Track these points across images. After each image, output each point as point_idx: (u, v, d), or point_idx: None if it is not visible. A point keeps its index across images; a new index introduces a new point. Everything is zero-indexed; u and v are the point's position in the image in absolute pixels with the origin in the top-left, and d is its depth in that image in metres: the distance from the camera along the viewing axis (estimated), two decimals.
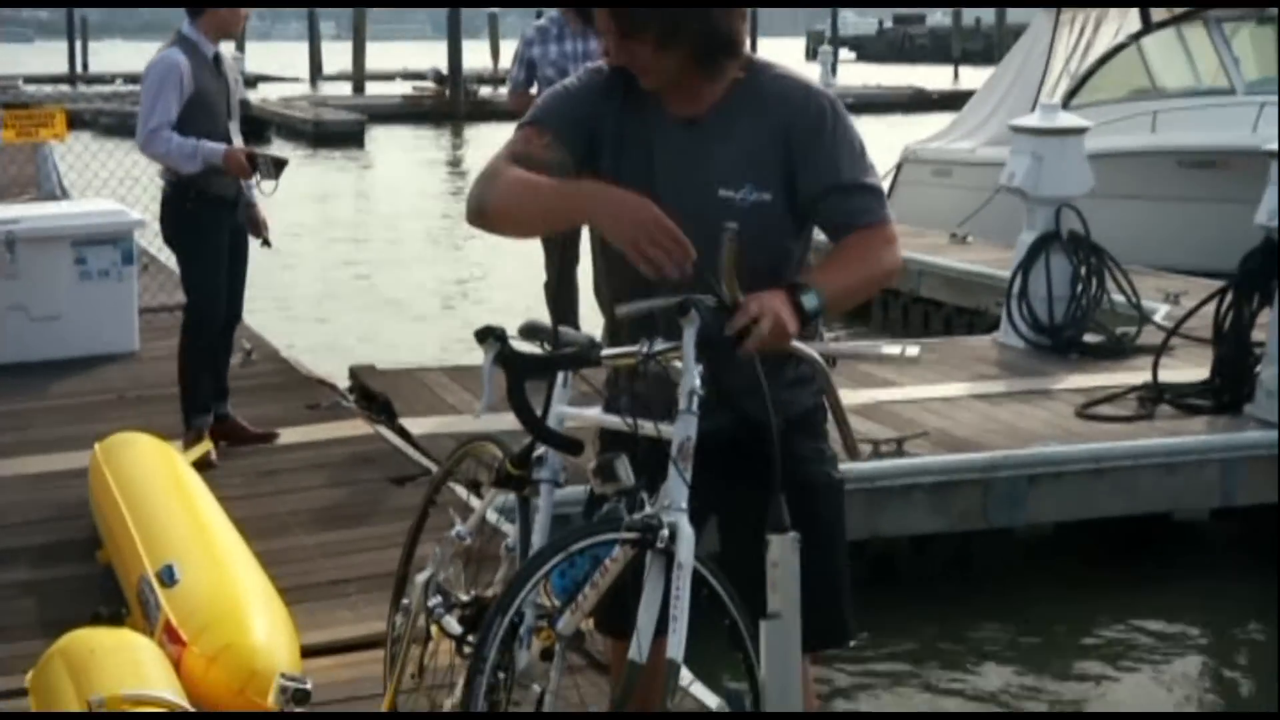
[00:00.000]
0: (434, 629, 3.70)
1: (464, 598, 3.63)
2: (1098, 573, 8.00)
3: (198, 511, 5.42)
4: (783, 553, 3.00)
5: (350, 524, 6.52)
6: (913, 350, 3.10)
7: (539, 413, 3.33)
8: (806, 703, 3.40)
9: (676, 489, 3.03)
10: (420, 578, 3.82)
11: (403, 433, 8.18)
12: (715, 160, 3.19)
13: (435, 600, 3.70)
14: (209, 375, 7.43)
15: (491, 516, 3.96)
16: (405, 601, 3.92)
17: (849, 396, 8.61)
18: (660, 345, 3.03)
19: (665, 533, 3.00)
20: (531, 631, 3.28)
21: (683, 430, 3.01)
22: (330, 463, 7.44)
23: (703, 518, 3.07)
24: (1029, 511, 7.90)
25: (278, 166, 7.14)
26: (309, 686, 4.00)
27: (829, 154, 3.19)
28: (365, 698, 4.50)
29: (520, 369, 3.15)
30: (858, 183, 3.20)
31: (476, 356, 3.25)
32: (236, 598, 4.63)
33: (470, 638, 3.46)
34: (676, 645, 2.91)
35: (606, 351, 3.17)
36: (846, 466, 7.23)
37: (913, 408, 8.74)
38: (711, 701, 4.63)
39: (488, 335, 3.17)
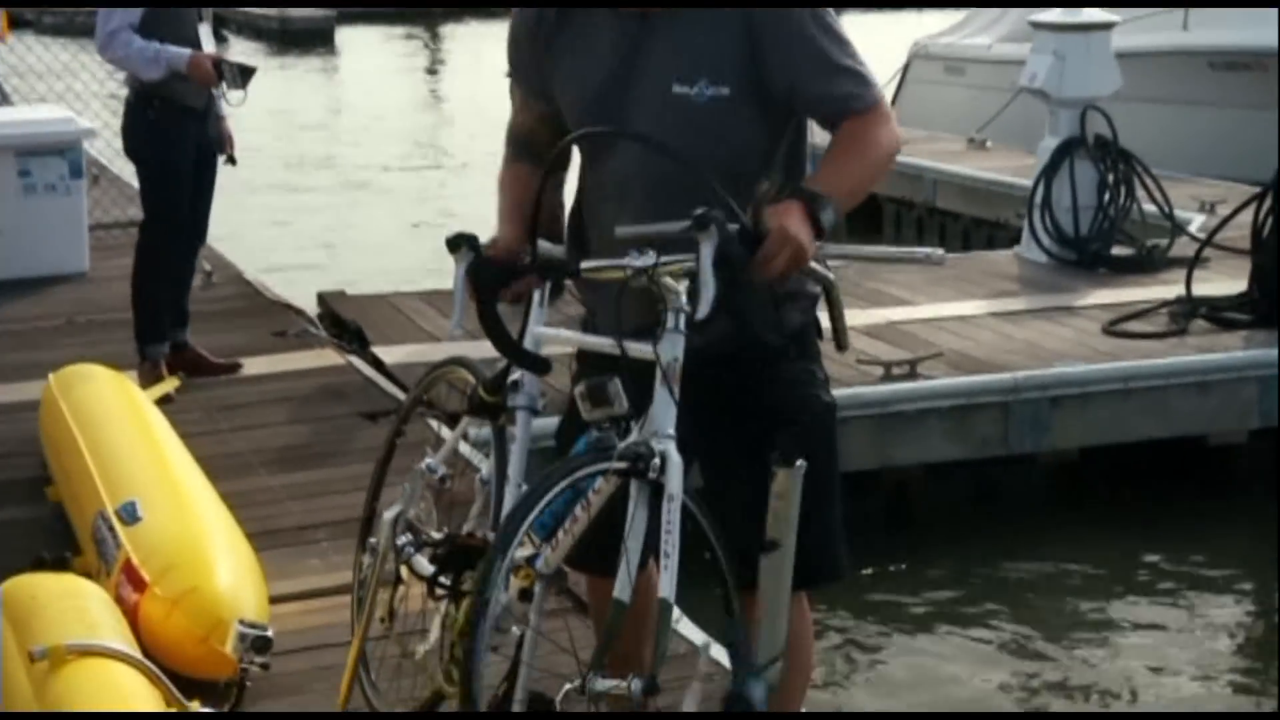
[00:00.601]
0: (404, 570, 3.70)
1: (436, 536, 3.64)
2: (1127, 502, 8.03)
3: (160, 448, 5.42)
4: (789, 485, 3.04)
5: (319, 464, 6.52)
6: (938, 252, 3.10)
7: (515, 335, 3.34)
8: (805, 646, 3.47)
9: (664, 413, 3.03)
10: (388, 515, 3.82)
11: (376, 362, 8.16)
12: (667, 55, 3.21)
13: (404, 539, 3.71)
14: (167, 301, 7.39)
15: (465, 449, 3.96)
16: (372, 541, 3.93)
17: (857, 316, 8.62)
18: (648, 259, 3.03)
19: (656, 461, 3.00)
20: (509, 571, 3.27)
21: (670, 350, 3.01)
22: (298, 396, 7.43)
23: (684, 447, 3.10)
24: (1053, 437, 7.92)
25: (245, 75, 7.08)
26: (270, 634, 4.01)
27: (800, 39, 3.18)
28: (334, 645, 4.51)
29: (491, 279, 3.14)
30: (838, 65, 3.19)
31: (452, 281, 3.26)
32: (202, 539, 4.64)
33: (443, 579, 3.47)
34: (668, 583, 2.92)
35: (588, 264, 3.16)
36: (854, 391, 7.50)
37: (927, 327, 8.72)
38: (698, 638, 4.65)
39: (460, 243, 3.16)
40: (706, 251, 2.93)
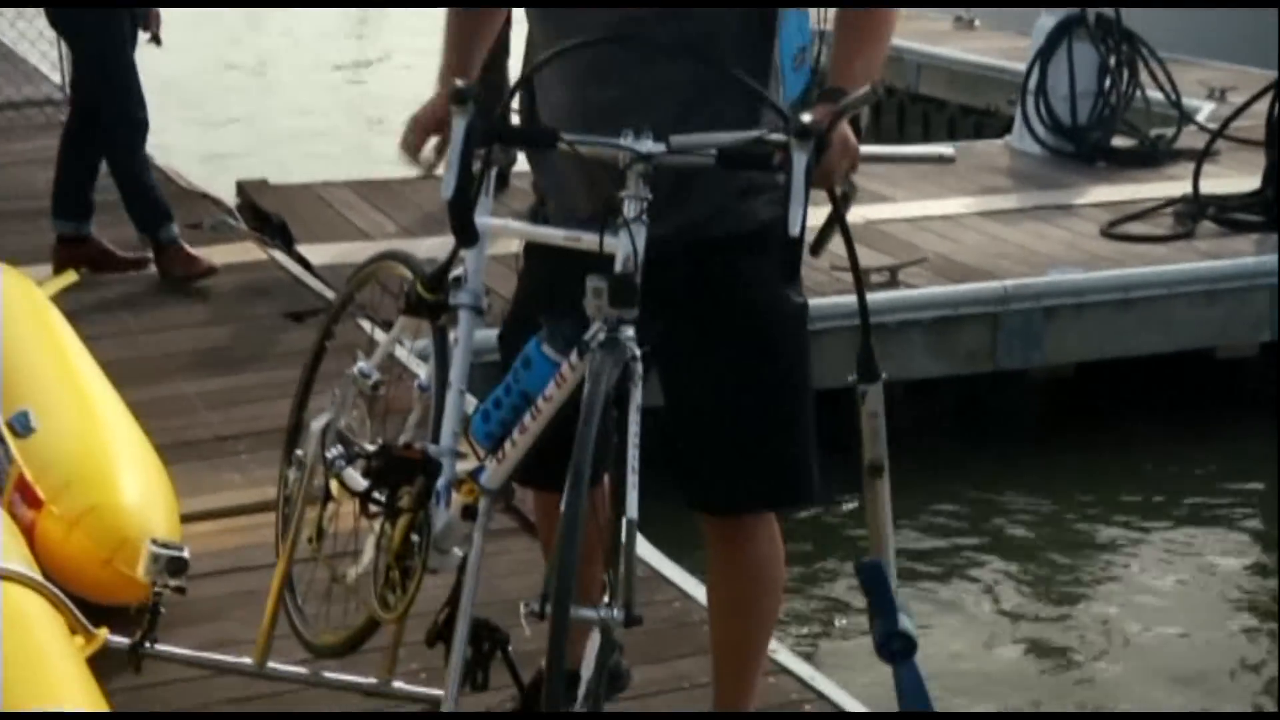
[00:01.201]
0: (334, 485, 3.67)
1: (369, 448, 3.60)
2: (1128, 422, 8.05)
3: (58, 352, 5.34)
4: (879, 400, 3.31)
5: (239, 368, 6.48)
6: (948, 151, 3.12)
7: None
8: (776, 573, 3.50)
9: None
10: (315, 425, 3.79)
11: (301, 261, 8.09)
12: None
13: (334, 451, 3.68)
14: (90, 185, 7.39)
15: (401, 353, 3.91)
16: (298, 453, 3.90)
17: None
18: (652, 145, 3.01)
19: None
20: (450, 486, 3.29)
21: (629, 243, 3.00)
22: (215, 295, 7.37)
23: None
24: (1046, 351, 7.93)
25: None
26: (185, 554, 3.96)
27: None
28: (255, 568, 4.49)
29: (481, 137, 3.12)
30: None
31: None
32: (104, 452, 4.60)
33: (377, 494, 3.45)
34: (633, 501, 2.91)
35: (573, 136, 3.12)
36: (830, 300, 7.49)
37: (909, 228, 8.70)
38: (669, 569, 4.71)
39: (466, 97, 3.09)
40: (800, 162, 2.92)
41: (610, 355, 2.96)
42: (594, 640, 2.98)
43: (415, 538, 3.33)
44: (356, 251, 8.06)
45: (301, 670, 4.02)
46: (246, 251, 8.06)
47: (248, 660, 4.00)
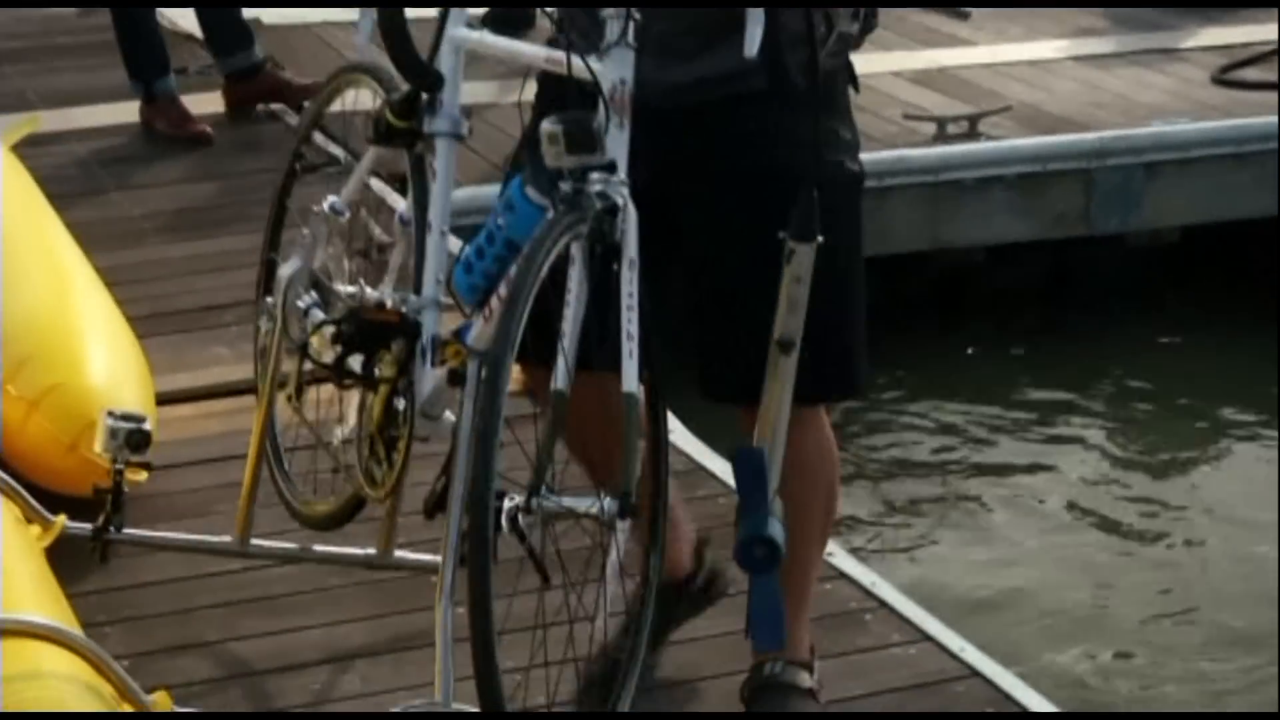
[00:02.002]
0: (314, 339, 3.66)
1: (348, 290, 3.64)
2: (1238, 295, 7.98)
3: (20, 212, 5.30)
4: (809, 266, 3.08)
5: (228, 230, 6.42)
6: (966, 11, 3.06)
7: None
8: (828, 465, 3.50)
9: (614, 146, 3.01)
10: (285, 271, 3.79)
11: (299, 108, 8.00)
12: None
13: (309, 299, 3.70)
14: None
15: (377, 184, 3.90)
16: (269, 300, 3.88)
17: (902, 60, 8.54)
18: None
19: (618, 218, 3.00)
20: (436, 342, 3.29)
21: (616, 69, 3.00)
22: (202, 149, 7.30)
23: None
24: (1147, 213, 7.86)
25: None
26: (147, 427, 3.90)
27: None
28: (244, 456, 4.41)
29: None
30: None
31: None
32: (69, 325, 4.59)
33: (354, 360, 3.43)
34: (631, 373, 2.92)
35: None
36: (900, 153, 7.42)
37: (990, 74, 8.59)
38: (711, 460, 4.71)
39: None
40: None
41: (568, 214, 2.95)
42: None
43: (400, 404, 3.34)
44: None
45: (289, 546, 4.05)
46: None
47: (227, 538, 4.02)
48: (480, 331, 3.15)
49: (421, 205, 3.44)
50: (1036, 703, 3.76)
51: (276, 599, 4.10)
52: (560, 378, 2.93)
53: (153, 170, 7.13)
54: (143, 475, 4.01)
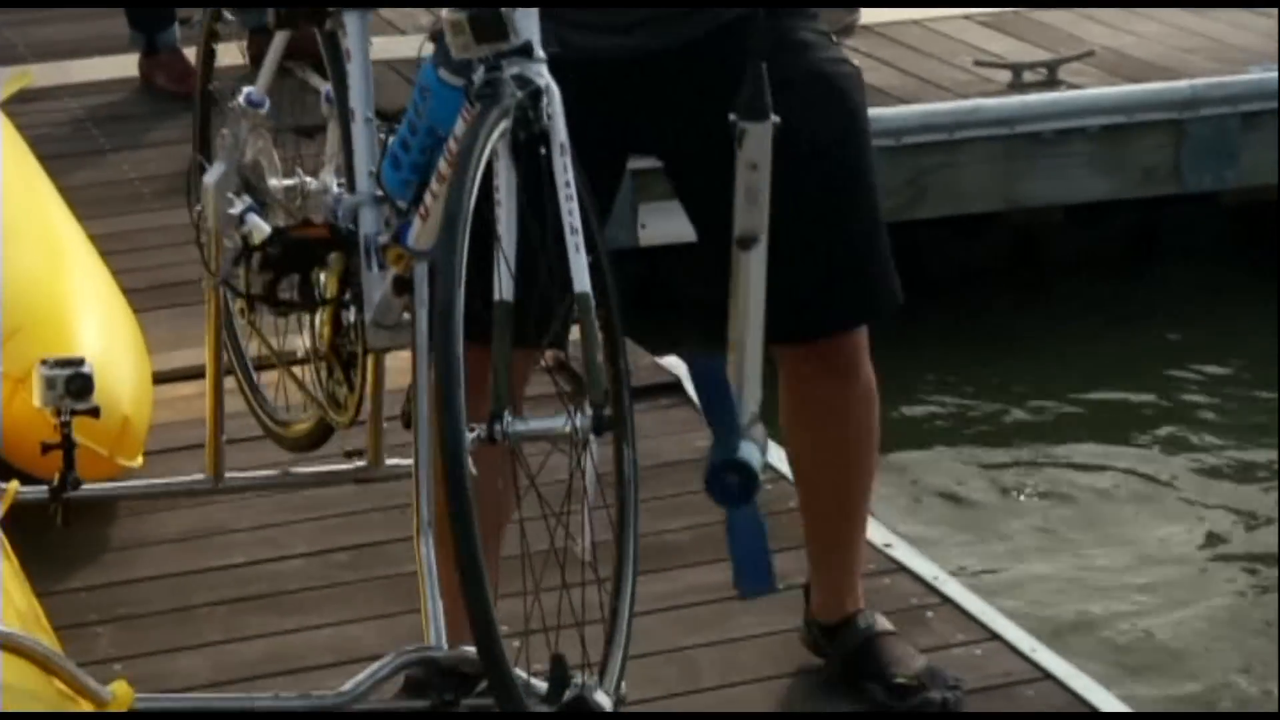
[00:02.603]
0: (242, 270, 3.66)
1: (284, 184, 3.63)
2: None
3: (12, 174, 5.30)
4: (764, 148, 3.00)
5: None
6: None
7: None
8: (867, 405, 3.51)
9: (526, 26, 2.97)
10: (209, 179, 3.78)
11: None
12: None
13: (242, 203, 3.68)
14: None
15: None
16: (198, 210, 3.87)
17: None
18: None
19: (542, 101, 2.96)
20: (377, 249, 3.28)
21: None
22: None
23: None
24: (1243, 168, 7.80)
25: None
26: (88, 370, 3.83)
27: None
28: (246, 439, 4.42)
29: None
30: None
31: None
32: (59, 297, 4.59)
33: (282, 290, 3.44)
34: (581, 268, 2.90)
35: None
36: (972, 103, 7.37)
37: (1071, 16, 8.54)
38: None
39: None
40: None
41: (488, 110, 2.92)
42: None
43: (350, 317, 3.35)
44: (389, 47, 7.97)
45: (268, 473, 4.10)
46: (243, 53, 7.96)
47: (199, 476, 4.06)
48: (420, 231, 3.16)
49: (341, 91, 3.40)
50: (1118, 709, 3.73)
51: (283, 595, 4.10)
52: (505, 287, 2.89)
53: (153, 130, 7.13)
54: (138, 460, 3.99)
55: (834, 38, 3.44)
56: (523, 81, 2.95)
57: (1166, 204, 7.87)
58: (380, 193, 3.31)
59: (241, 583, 4.13)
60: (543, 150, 2.94)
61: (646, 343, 4.96)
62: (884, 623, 3.66)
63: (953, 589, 4.07)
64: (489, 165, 2.92)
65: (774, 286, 3.19)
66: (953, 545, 5.99)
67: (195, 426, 4.63)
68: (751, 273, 3.05)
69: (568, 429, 2.91)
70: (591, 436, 2.92)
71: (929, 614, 3.99)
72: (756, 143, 3.02)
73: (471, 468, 2.78)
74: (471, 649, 2.99)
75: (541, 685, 2.91)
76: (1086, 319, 7.66)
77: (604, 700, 2.95)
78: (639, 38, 3.22)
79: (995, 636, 3.90)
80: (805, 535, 3.68)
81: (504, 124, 2.92)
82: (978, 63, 7.76)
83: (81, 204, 5.47)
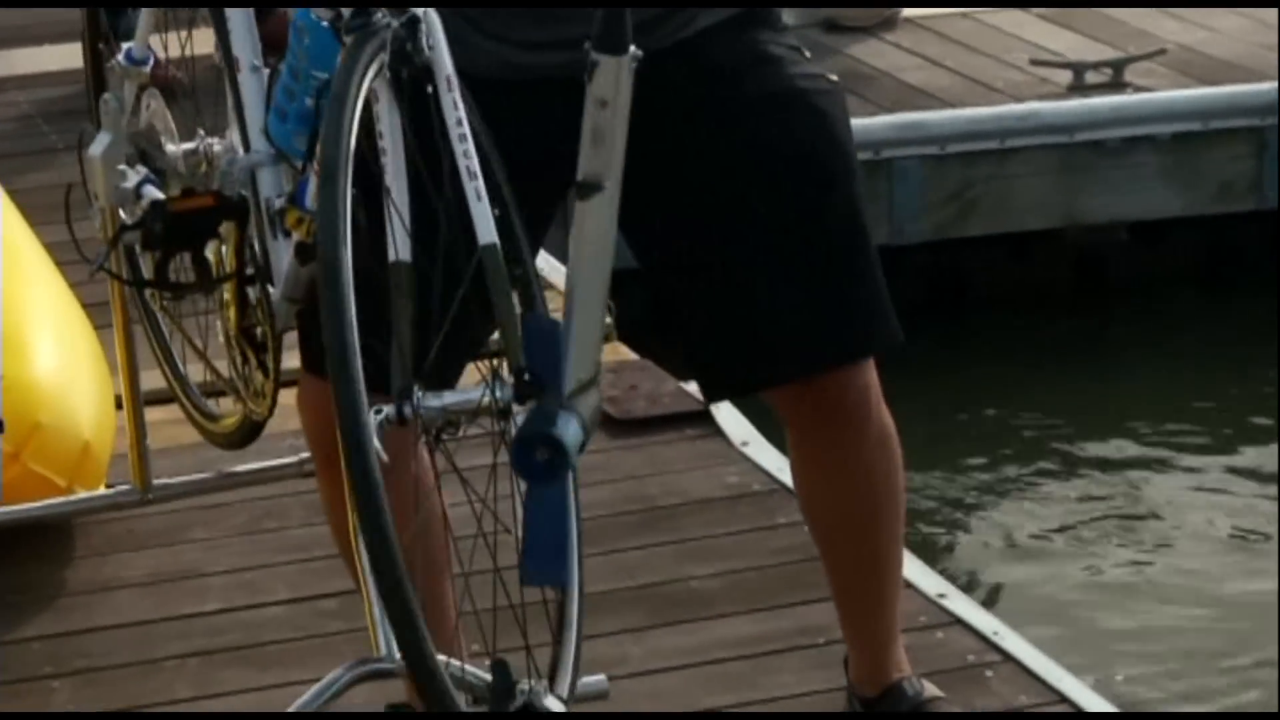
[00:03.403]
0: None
1: (185, 147, 3.57)
2: None
3: None
4: (618, 84, 2.90)
5: None
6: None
7: None
8: (887, 453, 3.51)
9: None
10: (95, 150, 3.74)
11: None
12: None
13: (137, 175, 3.64)
14: None
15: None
16: (96, 203, 3.81)
17: None
18: None
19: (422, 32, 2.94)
20: (279, 214, 3.26)
21: None
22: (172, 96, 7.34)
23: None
24: None
25: None
26: None
27: None
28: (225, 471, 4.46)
29: None
30: None
31: None
32: (8, 312, 4.56)
33: (172, 271, 3.45)
34: (485, 218, 2.88)
35: None
36: (1028, 107, 7.38)
37: (1140, 11, 8.54)
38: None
39: None
40: None
41: (360, 46, 2.90)
42: None
43: (253, 294, 3.34)
44: None
45: (201, 476, 4.16)
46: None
47: (126, 486, 4.09)
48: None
49: (223, 41, 3.37)
50: None
51: (261, 647, 4.08)
52: (400, 245, 2.87)
53: None
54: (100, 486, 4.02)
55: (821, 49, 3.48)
56: (397, 11, 2.94)
57: (1245, 221, 7.89)
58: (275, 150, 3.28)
59: (214, 632, 4.12)
60: (430, 89, 2.92)
61: (669, 367, 4.97)
62: (932, 689, 3.63)
63: (1015, 645, 4.05)
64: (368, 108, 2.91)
65: (755, 319, 3.24)
66: (1012, 591, 6.04)
67: (164, 457, 4.64)
68: (589, 223, 2.95)
69: (488, 400, 2.86)
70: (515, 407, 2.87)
71: (988, 673, 3.97)
72: (609, 77, 2.89)
73: (382, 452, 2.75)
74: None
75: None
76: (1153, 348, 7.69)
77: (554, 704, 2.94)
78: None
79: (1064, 698, 3.88)
80: (834, 599, 3.67)
81: (381, 58, 2.91)
82: (1034, 61, 7.77)
83: (33, 209, 5.44)
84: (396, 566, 2.71)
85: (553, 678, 3.02)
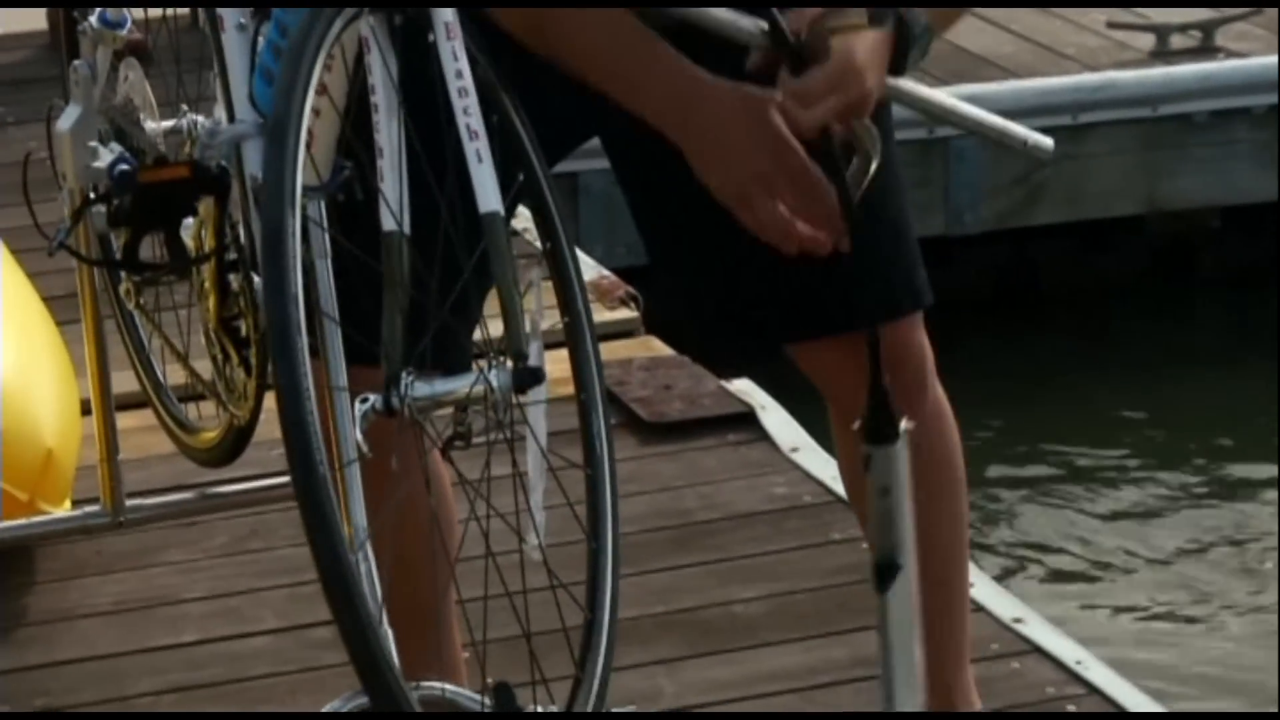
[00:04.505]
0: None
1: (165, 125, 3.59)
2: None
3: None
4: (895, 470, 2.97)
5: None
6: (1045, 142, 3.04)
7: None
8: (944, 439, 3.51)
9: None
10: (64, 125, 3.72)
11: None
12: None
13: (110, 153, 3.62)
14: None
15: None
16: (64, 184, 3.79)
17: None
18: None
19: None
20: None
21: None
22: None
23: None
24: None
25: None
26: None
27: None
28: (200, 484, 4.48)
29: None
30: None
31: None
32: None
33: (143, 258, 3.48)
34: (486, 180, 2.86)
35: None
36: (1105, 76, 7.36)
37: None
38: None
39: None
40: None
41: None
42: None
43: (234, 281, 3.34)
44: None
45: (181, 497, 4.22)
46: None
47: (94, 508, 4.13)
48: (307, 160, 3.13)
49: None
50: None
51: (246, 683, 4.09)
52: (390, 215, 2.88)
53: None
54: (65, 504, 4.02)
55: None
56: None
57: None
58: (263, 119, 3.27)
59: (193, 665, 4.13)
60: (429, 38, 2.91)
61: (711, 364, 4.97)
62: None
63: (1101, 675, 4.05)
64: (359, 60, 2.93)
65: (802, 272, 3.20)
66: (1089, 613, 6.09)
67: (137, 467, 4.66)
68: (893, 609, 3.04)
69: (480, 389, 2.86)
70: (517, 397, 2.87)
71: (1071, 707, 3.97)
72: (886, 465, 2.96)
73: (364, 447, 2.79)
74: (422, 689, 2.95)
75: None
76: (1245, 345, 7.75)
77: None
78: None
79: None
80: None
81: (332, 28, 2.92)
82: (1111, 24, 7.77)
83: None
84: (341, 561, 2.72)
85: (572, 702, 3.01)
